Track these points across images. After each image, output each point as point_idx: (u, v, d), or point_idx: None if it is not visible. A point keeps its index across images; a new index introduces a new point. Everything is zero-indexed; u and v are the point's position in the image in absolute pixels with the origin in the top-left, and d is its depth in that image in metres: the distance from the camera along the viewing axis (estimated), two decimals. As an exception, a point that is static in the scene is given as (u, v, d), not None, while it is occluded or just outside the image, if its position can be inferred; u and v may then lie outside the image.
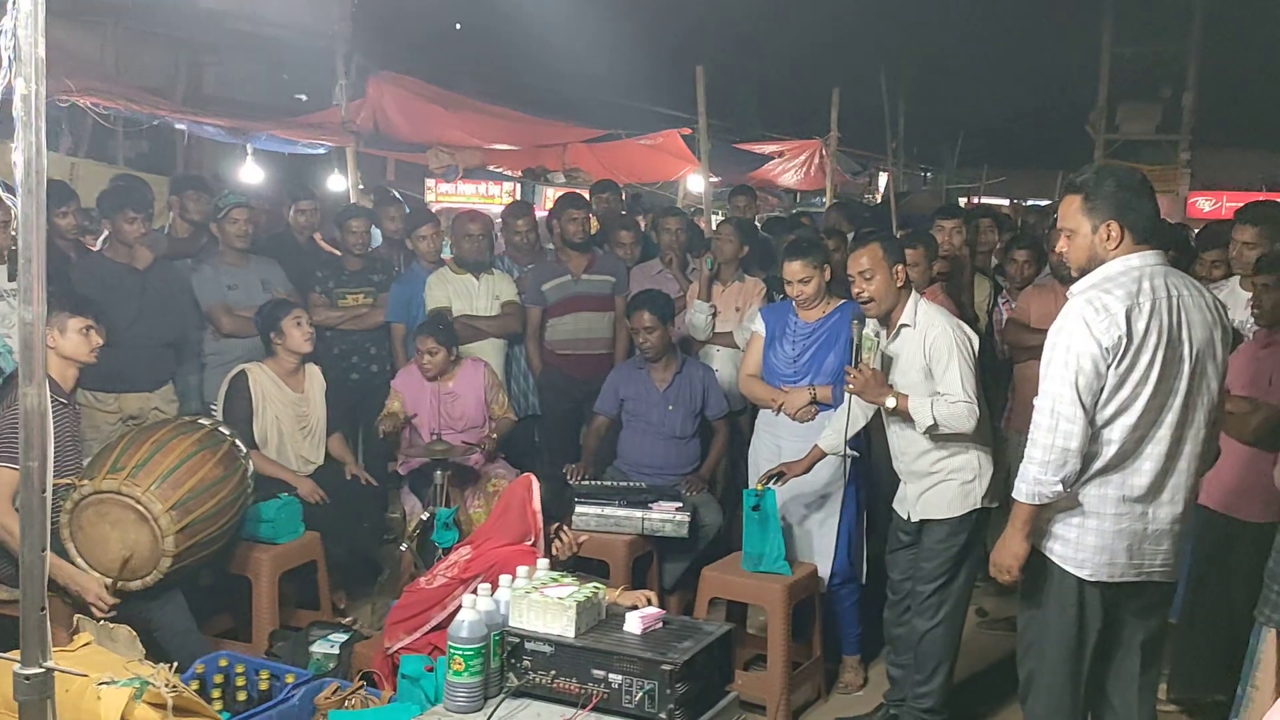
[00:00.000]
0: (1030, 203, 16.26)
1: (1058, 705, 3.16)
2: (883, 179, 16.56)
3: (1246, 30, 16.89)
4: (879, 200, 14.62)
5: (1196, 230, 6.52)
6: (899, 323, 3.94)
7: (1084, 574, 3.02)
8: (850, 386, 3.89)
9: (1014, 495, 3.03)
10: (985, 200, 19.05)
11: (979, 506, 3.90)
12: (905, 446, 3.97)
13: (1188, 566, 4.30)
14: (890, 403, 3.81)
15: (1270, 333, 3.98)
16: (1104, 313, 2.84)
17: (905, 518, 4.05)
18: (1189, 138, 17.49)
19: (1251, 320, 4.25)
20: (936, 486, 3.92)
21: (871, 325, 3.98)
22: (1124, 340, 2.83)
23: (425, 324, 5.42)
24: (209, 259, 5.71)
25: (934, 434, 3.80)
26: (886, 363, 3.94)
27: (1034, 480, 2.94)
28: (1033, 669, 3.21)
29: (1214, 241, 5.14)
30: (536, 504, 3.73)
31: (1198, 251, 5.35)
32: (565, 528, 3.86)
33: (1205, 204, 14.28)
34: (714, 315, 5.58)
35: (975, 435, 3.86)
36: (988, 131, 20.33)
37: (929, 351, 3.84)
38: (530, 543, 3.72)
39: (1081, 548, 3.00)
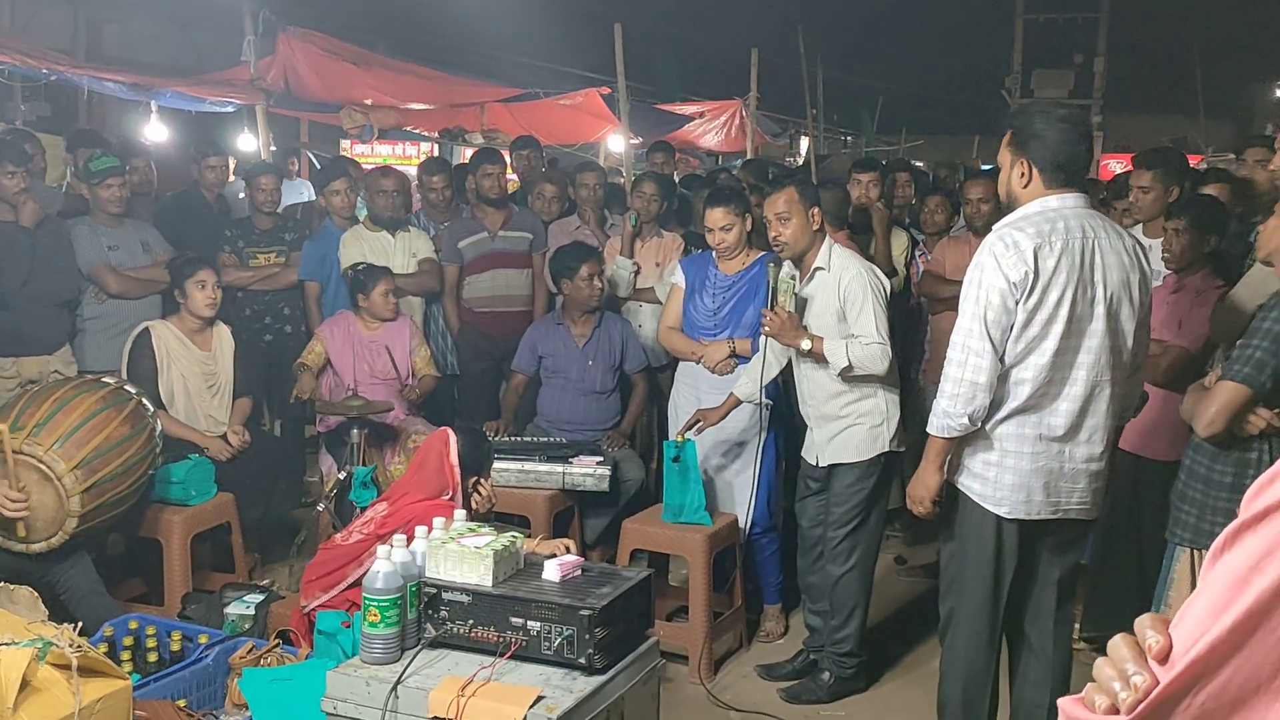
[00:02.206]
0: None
1: (975, 640, 3.22)
2: (804, 143, 16.64)
3: (1154, -1, 17.32)
4: (800, 163, 14.69)
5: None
6: (813, 266, 3.95)
7: (1001, 511, 3.08)
8: (766, 329, 3.90)
9: (927, 429, 3.07)
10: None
11: (887, 450, 3.96)
12: (814, 391, 4.00)
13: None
14: (805, 345, 3.83)
15: (1180, 277, 4.08)
16: (1013, 249, 2.87)
17: (814, 463, 4.08)
18: (1100, 102, 17.91)
19: (1153, 268, 4.35)
20: (845, 431, 3.96)
21: (787, 268, 3.99)
22: (1030, 276, 2.86)
23: (378, 268, 5.31)
24: (84, 219, 5.36)
25: (846, 376, 3.83)
26: (801, 305, 3.96)
27: (943, 413, 2.99)
28: (953, 605, 3.28)
29: (1124, 192, 5.25)
30: (454, 457, 3.68)
31: (1110, 200, 5.47)
32: (483, 481, 3.81)
33: (1116, 166, 14.62)
34: (636, 272, 5.55)
35: (883, 380, 3.91)
36: (906, 97, 20.60)
37: (843, 294, 3.86)
38: (448, 497, 3.67)
39: (1000, 486, 3.05)
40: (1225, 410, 2.79)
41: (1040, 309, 2.90)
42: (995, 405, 3.00)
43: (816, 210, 3.94)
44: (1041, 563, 3.21)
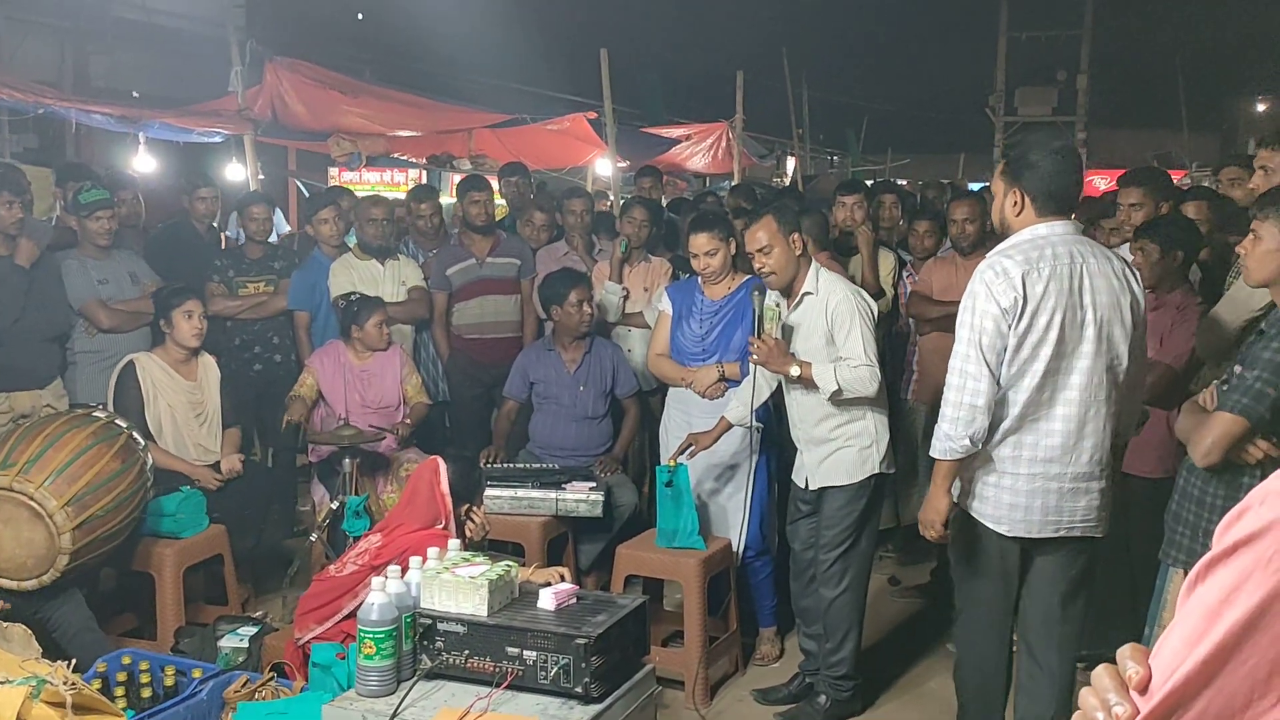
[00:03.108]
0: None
1: (984, 651, 3.35)
2: (790, 163, 16.74)
3: (1136, 15, 17.47)
4: (787, 184, 14.77)
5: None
6: (801, 291, 3.97)
7: (1002, 529, 3.18)
8: (754, 357, 3.92)
9: (930, 453, 3.17)
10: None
11: (877, 472, 3.97)
12: (804, 414, 4.02)
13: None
14: (794, 371, 3.85)
15: (1156, 295, 4.10)
16: (1002, 276, 2.98)
17: (804, 486, 4.09)
18: (1084, 119, 18.05)
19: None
20: (835, 454, 3.97)
21: (772, 296, 4.01)
22: (1020, 302, 2.96)
23: (370, 299, 5.30)
24: (72, 253, 5.35)
25: (836, 399, 3.85)
26: (787, 332, 3.97)
27: (945, 436, 3.09)
28: (963, 613, 3.42)
29: (1110, 211, 5.28)
30: (445, 486, 3.68)
31: (1096, 219, 5.50)
32: (476, 509, 3.82)
33: (1100, 182, 14.70)
34: (625, 297, 5.57)
35: (872, 402, 3.93)
36: (891, 116, 20.74)
37: (831, 317, 3.88)
38: (441, 526, 3.67)
39: (999, 505, 3.16)
40: (1223, 441, 2.80)
41: (1030, 333, 2.99)
42: (992, 427, 3.09)
43: (797, 236, 3.95)
44: (1045, 579, 3.27)
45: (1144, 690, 0.86)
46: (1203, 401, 3.02)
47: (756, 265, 3.96)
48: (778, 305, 3.97)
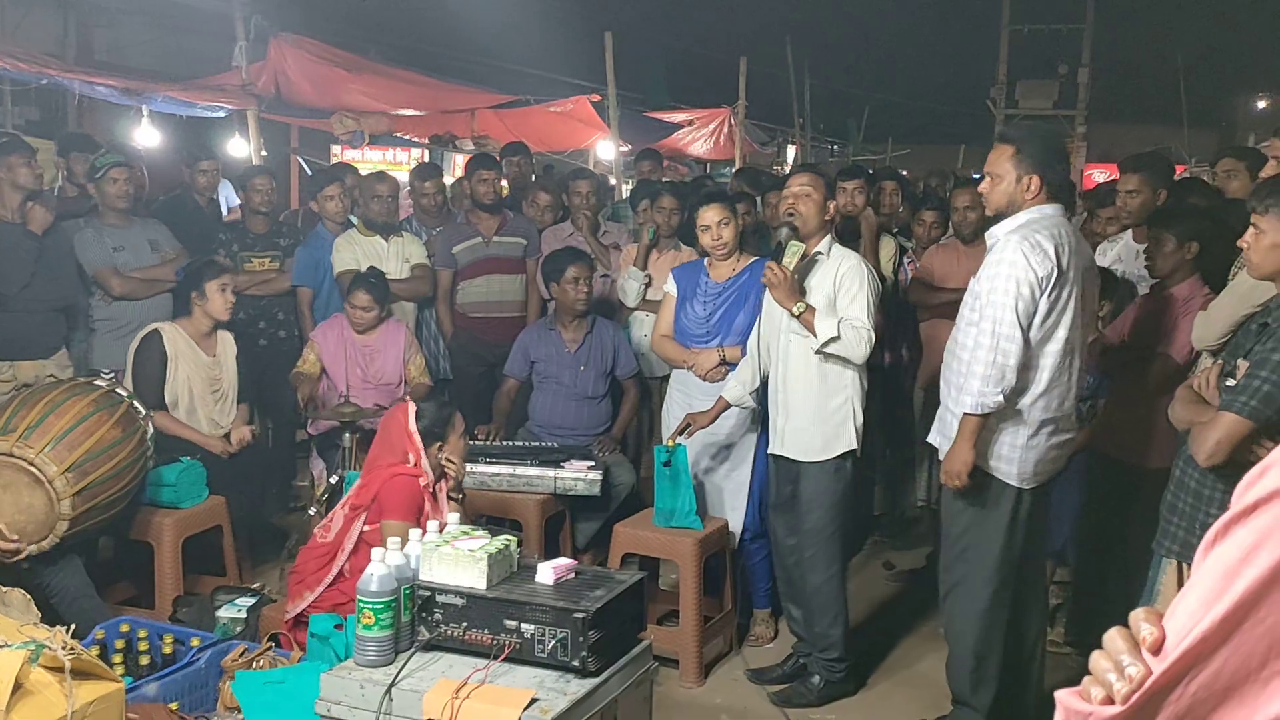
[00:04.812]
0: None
1: (992, 600, 3.55)
2: (791, 151, 16.73)
3: (1138, 10, 17.46)
4: (788, 171, 14.76)
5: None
6: (814, 251, 4.00)
7: (1023, 484, 3.45)
8: (766, 279, 3.92)
9: (961, 409, 3.36)
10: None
11: (851, 448, 4.01)
12: (788, 376, 4.04)
13: (1083, 513, 4.46)
14: (798, 309, 3.87)
15: (1164, 285, 4.12)
16: (1039, 249, 3.25)
17: (779, 453, 4.11)
18: (1085, 113, 18.03)
19: (1138, 273, 4.40)
20: (812, 426, 4.01)
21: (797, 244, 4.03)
22: (1054, 271, 3.25)
23: (360, 277, 5.29)
24: (91, 221, 5.44)
25: (825, 352, 3.88)
26: (797, 283, 3.98)
27: (978, 393, 3.29)
28: (963, 574, 3.59)
29: (1107, 200, 5.30)
30: (413, 425, 3.75)
31: (1094, 209, 5.52)
32: (451, 457, 3.82)
33: (1100, 175, 14.72)
34: (648, 284, 5.53)
35: (853, 379, 3.98)
36: (892, 106, 20.71)
37: (839, 279, 3.93)
38: (412, 463, 3.71)
39: (1024, 462, 3.42)
40: (1227, 443, 2.81)
41: (1058, 301, 3.29)
42: (1021, 390, 3.34)
43: (832, 204, 4.08)
44: (1038, 517, 3.60)
45: (1158, 651, 0.85)
46: (1197, 387, 3.02)
47: (785, 207, 4.01)
48: (801, 245, 3.98)
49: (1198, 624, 0.82)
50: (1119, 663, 0.87)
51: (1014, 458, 3.43)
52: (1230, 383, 2.87)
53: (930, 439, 3.71)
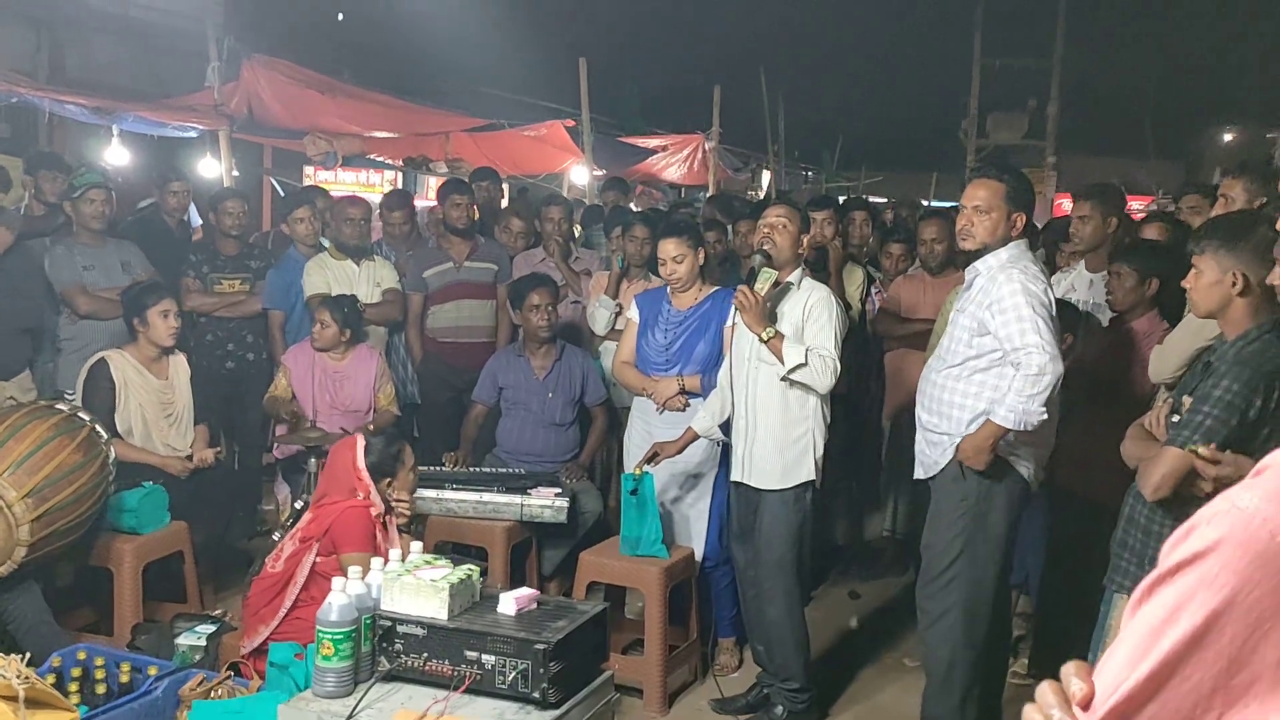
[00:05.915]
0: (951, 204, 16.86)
1: (996, 595, 3.69)
2: (765, 177, 16.82)
3: (1105, 47, 17.77)
4: (761, 198, 14.84)
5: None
6: (785, 281, 4.04)
7: (1031, 483, 3.67)
8: (738, 300, 3.93)
9: (1000, 422, 3.43)
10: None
11: (811, 478, 4.03)
12: (753, 402, 4.04)
13: (1046, 546, 4.49)
14: (767, 334, 3.89)
15: (1123, 319, 4.17)
16: (1040, 278, 3.53)
17: (742, 481, 4.12)
18: (1054, 144, 18.29)
19: (1093, 301, 4.46)
20: (773, 453, 4.02)
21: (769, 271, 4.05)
22: (1052, 297, 3.53)
23: (331, 299, 5.29)
24: (63, 239, 5.40)
25: (790, 379, 3.90)
26: (769, 309, 4.00)
27: (1023, 411, 3.40)
28: (952, 602, 3.64)
29: (1067, 234, 5.35)
30: (361, 461, 3.72)
31: (1056, 242, 5.59)
32: (399, 491, 3.81)
33: (1069, 205, 14.93)
34: (617, 313, 5.53)
35: (815, 410, 4.00)
36: (866, 135, 20.91)
37: (808, 309, 3.97)
38: (361, 498, 3.69)
39: (1037, 461, 3.65)
40: (1172, 477, 2.84)
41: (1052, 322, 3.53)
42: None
43: (806, 239, 4.13)
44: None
45: (1086, 706, 0.86)
46: (1149, 425, 3.07)
47: (759, 237, 4.06)
48: (774, 272, 4.01)
49: (1124, 681, 0.84)
50: (1049, 717, 0.89)
51: (1027, 458, 3.63)
52: (1175, 419, 2.91)
53: (918, 476, 3.76)
